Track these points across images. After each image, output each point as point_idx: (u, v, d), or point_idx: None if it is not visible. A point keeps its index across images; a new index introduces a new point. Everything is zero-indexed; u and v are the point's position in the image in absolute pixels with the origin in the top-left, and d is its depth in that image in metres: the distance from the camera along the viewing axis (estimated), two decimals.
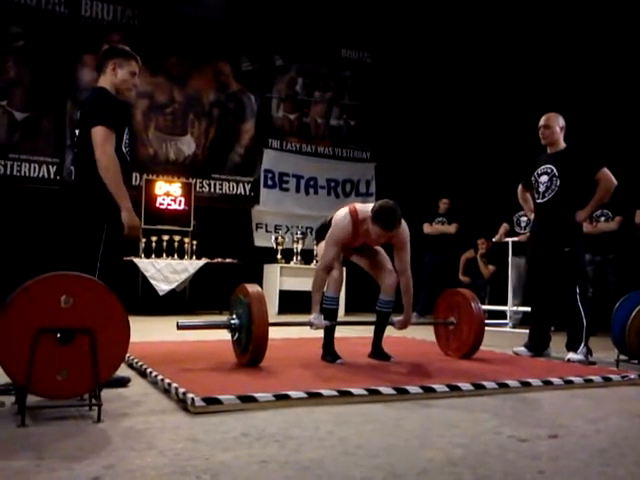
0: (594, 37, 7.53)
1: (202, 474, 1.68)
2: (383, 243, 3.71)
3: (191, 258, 7.88)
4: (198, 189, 8.68)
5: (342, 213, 3.67)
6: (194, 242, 8.01)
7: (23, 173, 7.82)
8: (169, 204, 8.11)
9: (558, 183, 4.26)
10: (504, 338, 5.58)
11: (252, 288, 3.38)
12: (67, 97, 8.07)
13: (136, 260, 7.33)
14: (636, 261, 6.42)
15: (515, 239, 6.74)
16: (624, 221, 6.41)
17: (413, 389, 2.81)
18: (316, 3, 9.18)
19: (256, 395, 2.52)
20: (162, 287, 7.34)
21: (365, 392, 2.72)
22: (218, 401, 2.44)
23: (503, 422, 2.36)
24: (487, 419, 2.41)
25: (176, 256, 7.80)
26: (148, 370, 3.13)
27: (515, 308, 6.72)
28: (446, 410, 2.58)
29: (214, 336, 4.17)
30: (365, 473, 1.73)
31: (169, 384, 2.72)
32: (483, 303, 6.40)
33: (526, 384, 3.08)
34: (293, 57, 9.57)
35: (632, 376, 3.39)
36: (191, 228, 8.13)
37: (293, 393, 2.59)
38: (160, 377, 2.89)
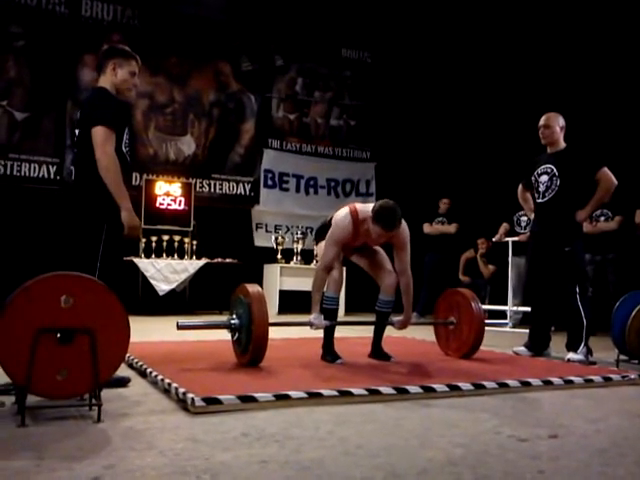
0: (594, 37, 7.53)
1: (202, 474, 1.68)
2: (383, 243, 3.71)
3: (191, 258, 7.88)
4: (198, 189, 8.68)
5: (342, 213, 3.67)
6: (194, 242, 8.02)
7: (23, 173, 7.82)
8: (169, 204, 8.11)
9: (558, 183, 4.26)
10: (504, 338, 5.58)
11: (252, 288, 3.38)
12: (67, 97, 8.07)
13: (136, 260, 7.33)
14: (636, 261, 6.41)
15: (515, 239, 6.74)
16: (624, 221, 6.41)
17: (413, 389, 2.81)
18: (316, 3, 9.18)
19: (256, 395, 2.52)
20: (162, 287, 7.34)
21: (365, 392, 2.72)
22: (218, 401, 2.44)
23: (503, 422, 2.36)
24: (487, 419, 2.41)
25: (176, 256, 7.80)
26: (148, 370, 3.14)
27: (515, 308, 6.72)
28: (446, 410, 2.58)
29: (214, 336, 4.17)
30: (365, 473, 1.73)
31: (169, 384, 2.72)
32: (483, 303, 6.40)
33: (526, 384, 3.08)
34: (293, 57, 9.57)
35: (632, 376, 3.39)
36: (191, 228, 8.13)
37: (293, 393, 2.59)
38: (160, 377, 2.89)
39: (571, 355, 4.11)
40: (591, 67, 7.63)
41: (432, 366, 3.60)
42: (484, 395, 2.89)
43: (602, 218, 6.49)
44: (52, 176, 7.97)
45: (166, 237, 7.84)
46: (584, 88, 7.56)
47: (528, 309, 5.03)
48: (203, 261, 7.74)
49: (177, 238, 7.96)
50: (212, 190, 8.92)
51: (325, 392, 2.66)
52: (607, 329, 4.27)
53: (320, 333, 3.72)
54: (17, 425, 2.12)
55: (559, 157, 4.33)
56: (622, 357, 3.94)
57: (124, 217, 2.91)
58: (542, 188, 4.36)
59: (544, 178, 4.35)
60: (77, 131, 3.06)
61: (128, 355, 3.27)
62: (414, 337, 5.19)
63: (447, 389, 2.87)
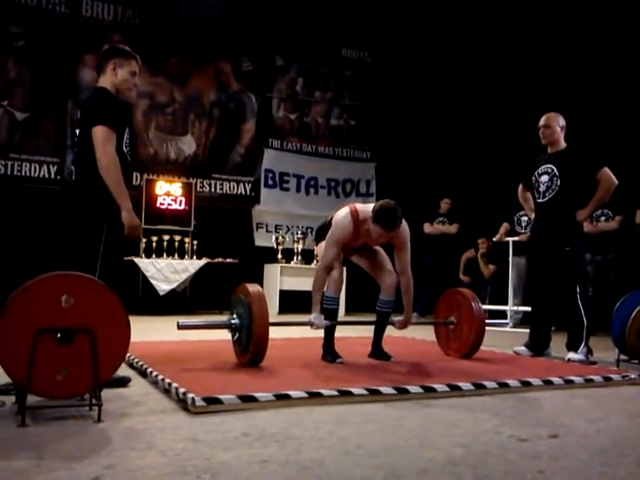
0: (594, 37, 7.52)
1: (202, 474, 1.68)
2: (383, 243, 3.71)
3: (191, 258, 7.89)
4: (199, 189, 8.68)
5: (343, 213, 3.67)
6: (194, 242, 8.01)
7: (24, 173, 7.82)
8: (169, 204, 8.11)
9: (559, 183, 4.26)
10: (504, 338, 5.58)
11: (252, 288, 3.38)
12: (68, 97, 8.07)
13: (136, 260, 7.34)
14: (636, 261, 6.41)
15: (515, 239, 6.74)
16: (624, 221, 6.41)
17: (413, 389, 2.81)
18: (316, 3, 9.18)
19: (257, 395, 2.52)
20: (162, 287, 7.34)
21: (365, 392, 2.72)
22: (218, 401, 2.44)
23: (503, 422, 2.36)
24: (487, 419, 2.41)
25: (176, 256, 7.80)
26: (148, 370, 3.14)
27: (515, 308, 6.72)
28: (446, 410, 2.58)
29: (214, 336, 4.17)
30: (365, 473, 1.73)
31: (169, 384, 2.72)
32: (483, 303, 6.40)
33: (526, 384, 3.08)
34: (293, 57, 9.57)
35: (632, 376, 3.39)
36: (192, 228, 8.13)
37: (293, 393, 2.59)
38: (160, 377, 2.89)
39: (571, 355, 4.10)
40: (591, 67, 7.63)
41: (432, 366, 3.60)
42: (484, 395, 2.89)
43: (602, 218, 6.49)
44: (53, 176, 7.97)
45: (167, 237, 7.84)
46: (584, 88, 7.56)
47: (528, 309, 5.03)
48: (203, 261, 7.74)
49: (178, 238, 7.96)
50: (213, 190, 8.92)
51: (325, 392, 2.66)
52: (607, 329, 4.27)
53: (320, 333, 3.72)
54: (17, 425, 2.12)
55: (560, 157, 4.33)
56: (622, 357, 3.93)
57: (124, 217, 2.91)
58: (542, 188, 4.35)
59: (544, 178, 4.35)
60: (78, 131, 3.06)
61: (128, 355, 3.27)
62: (414, 337, 5.19)
63: (447, 389, 2.87)
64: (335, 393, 2.66)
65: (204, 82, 8.98)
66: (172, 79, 8.78)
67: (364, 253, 3.88)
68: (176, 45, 8.73)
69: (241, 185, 9.14)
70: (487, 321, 4.44)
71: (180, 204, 8.17)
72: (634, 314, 3.83)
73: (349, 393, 2.69)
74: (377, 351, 3.84)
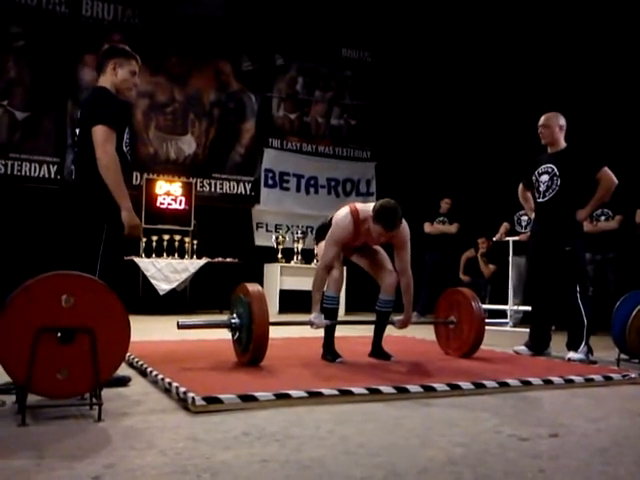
0: (594, 37, 7.52)
1: (203, 473, 1.68)
2: (384, 243, 3.71)
3: (191, 257, 7.89)
4: (199, 188, 8.68)
5: (343, 213, 3.67)
6: (194, 241, 8.02)
7: (24, 173, 7.83)
8: (169, 203, 8.11)
9: (559, 182, 4.26)
10: (504, 337, 5.58)
11: (252, 287, 3.38)
12: (68, 97, 8.07)
13: (137, 259, 7.34)
14: (636, 260, 6.41)
15: (516, 238, 6.74)
16: (624, 220, 6.41)
17: (413, 388, 2.81)
18: (316, 2, 9.18)
19: (257, 394, 2.52)
20: (162, 286, 7.34)
21: (366, 391, 2.72)
22: (219, 400, 2.44)
23: (503, 421, 2.36)
24: (487, 418, 2.41)
25: (176, 255, 7.80)
26: (148, 369, 3.14)
27: (515, 307, 6.72)
28: (446, 409, 2.58)
29: (214, 335, 4.17)
30: (366, 472, 1.73)
31: (169, 383, 2.72)
32: (483, 302, 6.40)
33: (527, 383, 3.08)
34: (294, 56, 9.56)
35: (633, 375, 3.39)
36: (192, 227, 8.14)
37: (294, 392, 2.59)
38: (160, 376, 2.89)
39: (572, 354, 4.10)
40: (591, 67, 7.62)
41: (432, 365, 3.60)
42: (484, 394, 2.89)
43: (603, 217, 6.49)
44: (53, 176, 7.97)
45: (167, 236, 7.84)
46: (584, 88, 7.56)
47: (528, 308, 5.04)
48: (203, 260, 7.75)
49: (177, 237, 7.97)
50: (212, 189, 8.92)
51: (325, 391, 2.66)
52: (608, 328, 4.27)
53: (320, 332, 3.72)
54: (17, 424, 2.12)
55: (560, 157, 4.33)
56: (623, 356, 3.93)
57: (124, 217, 2.91)
58: (543, 188, 4.35)
59: (545, 178, 4.35)
60: (77, 130, 3.06)
61: (128, 354, 3.28)
62: (414, 336, 5.19)
63: (447, 388, 2.87)
64: (335, 392, 2.66)
65: (204, 82, 8.98)
66: (172, 79, 8.79)
67: (364, 252, 3.88)
68: (176, 45, 8.74)
69: (241, 185, 9.14)
70: (487, 320, 4.45)
71: (180, 204, 8.17)
72: (634, 313, 3.83)
73: (349, 392, 2.69)
74: (377, 350, 3.84)
